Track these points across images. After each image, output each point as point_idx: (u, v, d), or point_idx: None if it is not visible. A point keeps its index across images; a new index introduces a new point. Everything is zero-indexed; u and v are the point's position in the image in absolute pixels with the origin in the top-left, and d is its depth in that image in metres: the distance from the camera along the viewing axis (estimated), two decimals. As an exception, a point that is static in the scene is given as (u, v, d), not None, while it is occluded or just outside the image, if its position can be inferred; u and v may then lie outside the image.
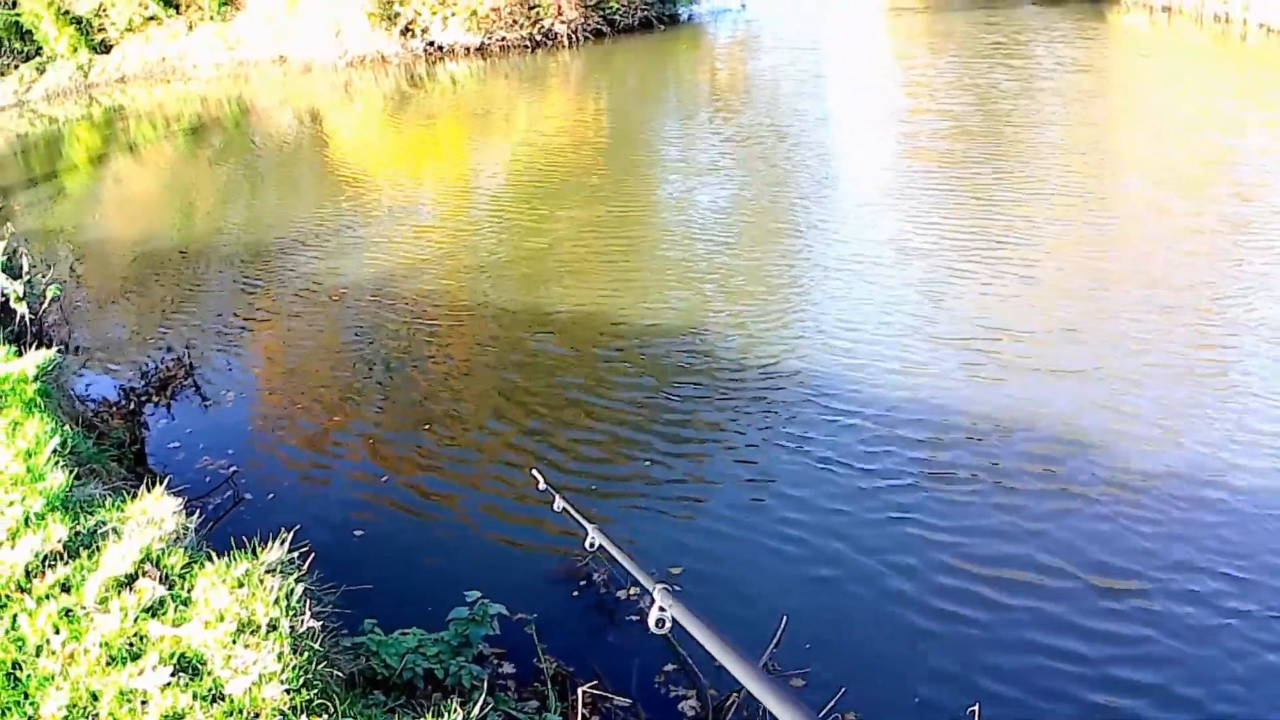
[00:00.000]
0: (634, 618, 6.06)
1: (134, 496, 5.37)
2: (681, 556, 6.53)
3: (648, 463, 7.80)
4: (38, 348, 8.50)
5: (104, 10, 30.91)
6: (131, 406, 9.49)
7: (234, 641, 4.00)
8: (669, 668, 5.61)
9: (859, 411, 8.13)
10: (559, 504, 5.79)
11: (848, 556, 6.46)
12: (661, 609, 2.86)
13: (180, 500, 5.23)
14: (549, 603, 6.26)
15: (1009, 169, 14.25)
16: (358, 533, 7.21)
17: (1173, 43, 25.51)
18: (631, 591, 6.23)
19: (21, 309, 10.19)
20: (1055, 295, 9.96)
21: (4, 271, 10.74)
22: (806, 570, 6.37)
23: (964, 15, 31.47)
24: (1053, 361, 8.65)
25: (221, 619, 4.13)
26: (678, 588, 3.05)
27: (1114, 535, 6.40)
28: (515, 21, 29.43)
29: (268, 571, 4.44)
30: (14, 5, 32.48)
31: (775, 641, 5.50)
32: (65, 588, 4.52)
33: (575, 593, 6.35)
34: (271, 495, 7.85)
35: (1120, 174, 14.11)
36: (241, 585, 4.35)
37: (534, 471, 6.44)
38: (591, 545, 4.63)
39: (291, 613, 4.18)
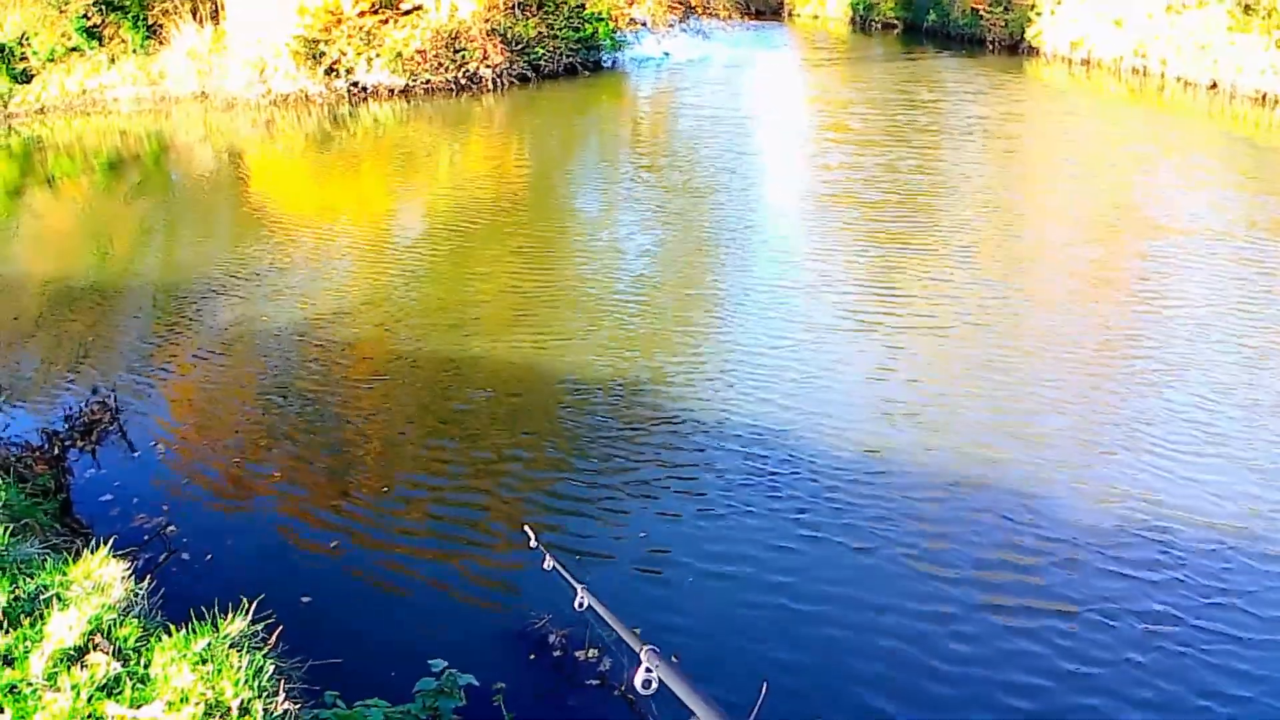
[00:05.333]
0: (595, 682, 6.28)
1: (74, 555, 5.27)
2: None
3: (596, 516, 8.05)
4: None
5: (26, 39, 30.44)
6: (55, 452, 9.32)
7: (202, 725, 3.86)
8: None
9: (776, 456, 8.67)
10: (549, 563, 5.83)
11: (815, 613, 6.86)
12: (648, 669, 2.93)
13: (127, 564, 5.17)
14: (515, 668, 6.42)
15: (929, 228, 14.88)
16: (305, 598, 7.20)
17: (1092, 96, 26.35)
18: (591, 653, 6.42)
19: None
20: (967, 350, 10.68)
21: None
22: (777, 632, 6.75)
23: (884, 66, 32.27)
24: (964, 407, 9.56)
25: (185, 700, 3.97)
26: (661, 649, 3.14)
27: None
28: (441, 65, 29.52)
29: (232, 646, 4.36)
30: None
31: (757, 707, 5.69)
32: (8, 660, 4.24)
33: (533, 655, 6.53)
34: (209, 555, 7.80)
35: (1039, 236, 14.87)
36: (204, 661, 4.23)
37: (525, 528, 6.46)
38: (580, 605, 4.65)
39: (263, 693, 4.08)
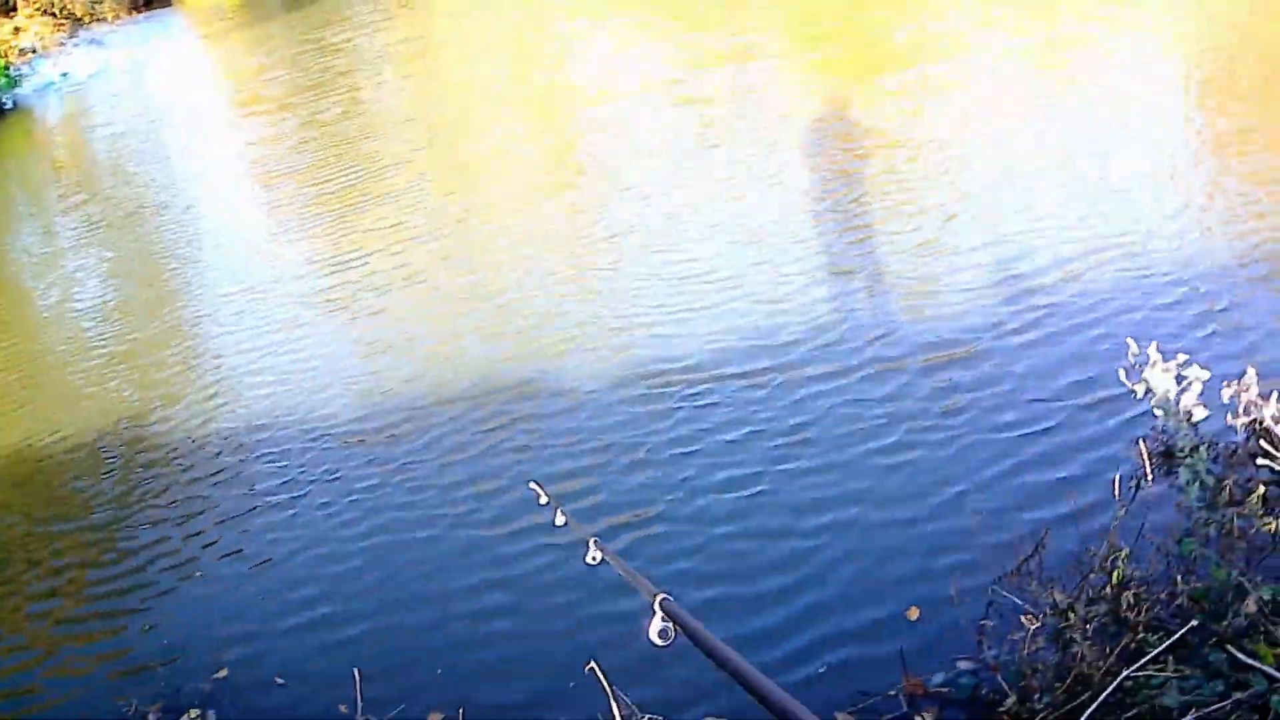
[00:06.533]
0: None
1: None
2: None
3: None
4: None
5: None
6: None
7: None
8: None
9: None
10: (560, 518, 5.40)
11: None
12: (665, 619, 2.75)
13: None
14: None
15: (374, 175, 14.89)
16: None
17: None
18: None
19: None
20: (451, 285, 10.88)
21: None
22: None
23: (285, 20, 32.15)
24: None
25: None
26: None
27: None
28: None
29: None
30: None
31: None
32: None
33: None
34: None
35: (487, 145, 15.40)
36: None
37: (532, 484, 5.90)
38: (594, 560, 4.48)
39: None
